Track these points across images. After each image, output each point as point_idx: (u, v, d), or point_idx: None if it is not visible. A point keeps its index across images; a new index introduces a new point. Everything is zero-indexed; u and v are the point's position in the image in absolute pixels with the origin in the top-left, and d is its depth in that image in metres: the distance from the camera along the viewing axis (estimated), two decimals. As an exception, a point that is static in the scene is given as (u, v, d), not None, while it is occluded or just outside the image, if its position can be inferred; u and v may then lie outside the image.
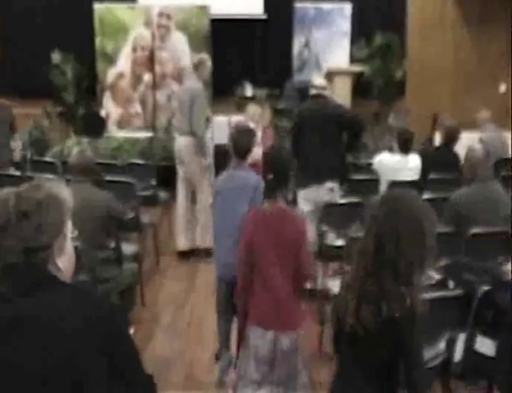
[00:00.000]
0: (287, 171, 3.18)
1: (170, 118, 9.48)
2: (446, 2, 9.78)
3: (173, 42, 10.01)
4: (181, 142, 6.49)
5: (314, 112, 5.50)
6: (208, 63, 6.63)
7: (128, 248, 5.10)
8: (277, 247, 3.08)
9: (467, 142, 5.39)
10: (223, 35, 10.46)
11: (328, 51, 10.66)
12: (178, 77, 10.02)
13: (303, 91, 9.91)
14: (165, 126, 9.63)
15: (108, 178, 5.85)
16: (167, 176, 7.44)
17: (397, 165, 5.65)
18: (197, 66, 6.53)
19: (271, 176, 3.13)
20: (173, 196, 7.18)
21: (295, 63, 10.40)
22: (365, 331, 2.08)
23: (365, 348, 2.13)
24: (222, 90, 10.07)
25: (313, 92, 5.62)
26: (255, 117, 6.70)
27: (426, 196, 5.18)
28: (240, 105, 9.20)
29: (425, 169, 5.78)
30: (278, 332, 3.10)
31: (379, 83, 10.44)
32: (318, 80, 5.70)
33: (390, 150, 5.96)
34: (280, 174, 3.14)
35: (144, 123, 10.08)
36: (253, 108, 6.88)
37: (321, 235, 4.99)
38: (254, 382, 3.17)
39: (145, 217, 6.26)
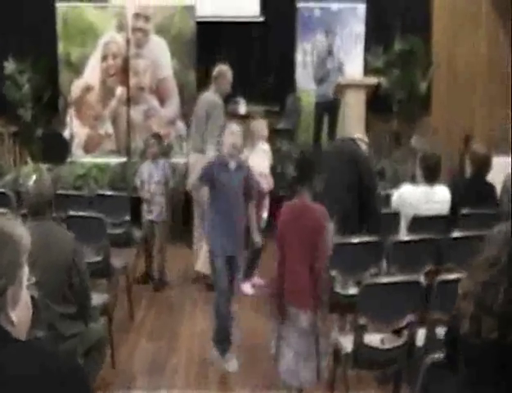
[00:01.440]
0: (311, 170, 4.34)
1: (148, 139, 9.54)
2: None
3: (152, 48, 10.15)
4: (191, 160, 7.32)
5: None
6: (229, 74, 7.27)
7: (95, 298, 5.08)
8: (299, 236, 4.25)
9: (501, 169, 5.41)
10: (211, 41, 10.60)
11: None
12: (158, 90, 10.17)
13: (324, 107, 10.12)
14: (142, 149, 9.61)
15: (72, 212, 5.91)
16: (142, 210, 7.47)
17: (422, 198, 5.67)
18: (216, 78, 7.25)
19: (296, 174, 4.43)
20: (151, 234, 7.23)
21: (317, 72, 10.50)
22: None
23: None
24: None
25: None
26: (263, 132, 7.25)
27: (457, 233, 5.22)
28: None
29: (456, 202, 5.80)
30: (300, 310, 4.27)
31: (399, 98, 10.54)
32: (357, 134, 6.16)
33: (413, 178, 6.00)
34: (304, 173, 4.34)
35: (116, 145, 10.17)
36: (260, 124, 7.30)
37: (331, 281, 5.00)
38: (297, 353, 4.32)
39: (117, 260, 6.26)
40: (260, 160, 7.09)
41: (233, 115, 9.84)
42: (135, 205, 7.44)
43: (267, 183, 7.15)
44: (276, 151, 8.62)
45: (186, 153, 8.81)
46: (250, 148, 7.14)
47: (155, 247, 7.34)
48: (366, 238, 5.31)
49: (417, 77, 10.52)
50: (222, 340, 5.44)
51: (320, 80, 10.20)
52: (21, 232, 1.77)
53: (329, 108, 10.09)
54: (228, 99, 10.06)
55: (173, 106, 10.25)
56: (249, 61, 11.16)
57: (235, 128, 5.49)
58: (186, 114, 10.08)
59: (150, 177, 7.29)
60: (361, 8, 10.84)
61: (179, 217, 8.77)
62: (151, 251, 7.40)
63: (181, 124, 10.19)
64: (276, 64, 11.07)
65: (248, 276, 7.17)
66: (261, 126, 7.32)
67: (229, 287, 5.38)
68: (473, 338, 2.27)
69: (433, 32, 10.23)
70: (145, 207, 7.35)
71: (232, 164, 5.38)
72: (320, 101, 10.16)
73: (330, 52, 10.05)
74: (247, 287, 7.17)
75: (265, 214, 7.24)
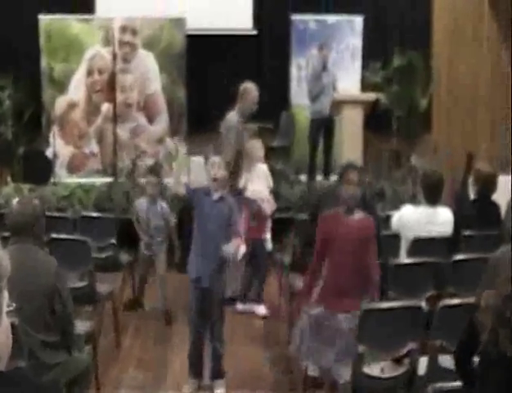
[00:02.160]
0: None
1: (135, 159, 9.56)
2: (480, 11, 9.83)
3: (139, 63, 10.19)
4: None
5: None
6: (253, 92, 7.31)
7: (79, 326, 5.06)
8: (349, 243, 4.71)
9: (507, 188, 5.42)
10: (202, 55, 10.70)
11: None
12: (146, 106, 10.19)
13: (319, 125, 10.13)
14: (129, 169, 9.70)
15: (55, 235, 5.87)
16: (130, 233, 7.39)
17: (423, 219, 5.68)
18: (241, 96, 7.29)
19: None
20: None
21: (312, 88, 10.43)
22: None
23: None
24: (200, 123, 10.20)
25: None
26: (260, 152, 7.20)
27: (461, 256, 5.22)
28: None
29: (459, 223, 5.81)
30: (340, 313, 4.64)
31: (398, 114, 10.60)
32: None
33: (413, 199, 6.01)
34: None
35: (102, 165, 10.19)
36: (256, 144, 7.26)
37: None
38: (311, 352, 4.77)
39: (103, 286, 6.22)
40: (260, 183, 7.11)
41: None
42: (121, 227, 7.42)
43: (269, 207, 7.17)
44: (270, 170, 8.57)
45: (175, 173, 8.82)
46: (248, 171, 7.14)
47: (156, 280, 7.19)
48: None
49: (417, 93, 10.63)
50: (194, 365, 5.53)
51: (315, 96, 10.14)
52: (0, 255, 1.75)
53: (325, 125, 10.09)
54: (218, 116, 10.22)
55: (162, 123, 10.28)
56: (242, 76, 11.14)
57: (215, 159, 5.47)
58: (175, 131, 10.21)
59: (149, 219, 7.10)
60: (359, 21, 10.91)
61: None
62: (144, 278, 7.31)
63: (170, 142, 10.21)
64: (269, 79, 11.14)
65: (260, 297, 7.26)
66: (257, 146, 7.28)
67: (201, 323, 5.44)
68: (491, 348, 2.41)
69: (432, 46, 10.27)
70: (142, 243, 7.18)
71: (215, 195, 5.38)
72: (315, 118, 10.13)
73: (325, 67, 10.05)
74: (261, 309, 7.20)
75: (268, 236, 7.25)
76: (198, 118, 10.26)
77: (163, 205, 7.20)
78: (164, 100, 10.24)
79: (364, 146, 9.72)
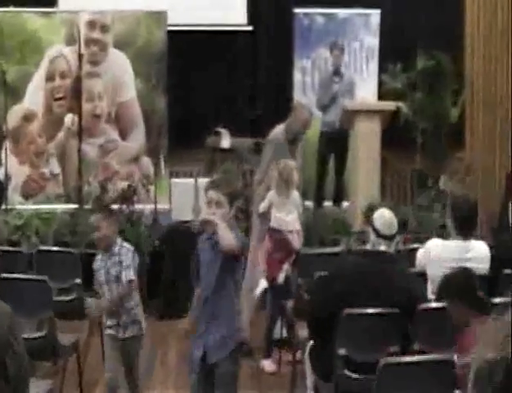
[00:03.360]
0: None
1: (104, 182, 9.61)
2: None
3: (111, 65, 10.21)
4: None
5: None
6: (304, 115, 7.87)
7: (36, 386, 5.01)
8: None
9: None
10: (187, 56, 10.78)
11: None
12: (118, 118, 10.18)
13: (329, 140, 10.21)
14: (97, 194, 9.62)
15: (6, 275, 5.82)
16: None
17: (453, 255, 5.67)
18: (293, 111, 7.95)
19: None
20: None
21: (320, 96, 10.54)
22: None
23: None
24: (185, 138, 10.24)
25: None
26: (295, 177, 7.25)
27: (500, 299, 5.21)
28: (213, 162, 9.37)
29: (498, 259, 5.80)
30: None
31: (423, 127, 10.58)
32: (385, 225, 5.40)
33: (442, 230, 5.98)
34: None
35: (64, 189, 10.17)
36: (291, 167, 7.23)
37: None
38: None
39: (65, 336, 6.18)
40: (292, 213, 7.24)
41: (214, 150, 9.99)
42: (88, 264, 6.88)
43: (299, 241, 7.31)
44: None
45: (153, 198, 8.83)
46: (282, 201, 7.22)
47: (122, 370, 6.20)
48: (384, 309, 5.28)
49: (446, 102, 10.61)
50: None
51: (324, 106, 10.25)
52: None
53: (335, 140, 10.16)
54: (206, 129, 10.22)
55: (138, 139, 10.27)
56: (235, 81, 11.26)
57: (211, 195, 5.08)
58: (154, 148, 10.14)
59: (108, 275, 5.98)
60: (376, 15, 10.94)
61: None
62: None
63: (147, 161, 10.18)
64: (267, 84, 11.24)
65: (268, 351, 7.30)
66: (294, 168, 7.31)
67: None
68: None
69: (465, 46, 10.30)
70: (104, 318, 6.14)
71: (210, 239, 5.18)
72: (324, 131, 10.23)
73: (336, 71, 10.07)
74: (269, 365, 7.25)
75: (287, 268, 7.23)
76: (182, 131, 10.30)
77: (128, 252, 6.03)
78: (141, 110, 10.23)
79: (382, 165, 9.70)
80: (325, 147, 10.29)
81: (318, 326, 5.37)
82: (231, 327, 5.12)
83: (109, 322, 5.95)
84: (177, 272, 8.29)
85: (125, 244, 6.06)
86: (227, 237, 4.86)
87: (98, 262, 6.03)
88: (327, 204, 10.14)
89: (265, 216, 7.29)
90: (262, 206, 7.27)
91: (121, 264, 5.88)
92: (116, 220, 6.27)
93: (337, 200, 10.20)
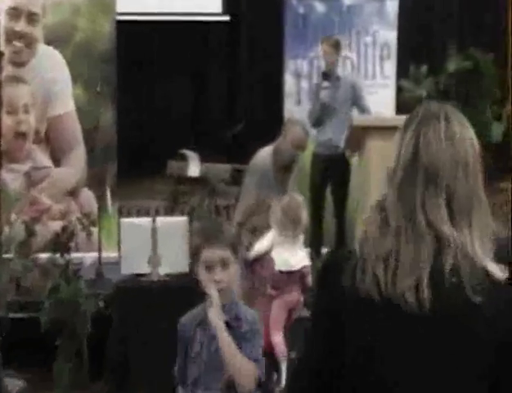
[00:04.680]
0: None
1: (31, 223, 9.28)
2: None
3: (41, 67, 10.10)
4: None
5: None
6: (297, 134, 8.32)
7: None
8: None
9: None
10: (143, 54, 10.71)
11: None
12: (50, 137, 10.08)
13: (327, 164, 10.06)
14: (21, 239, 9.23)
15: None
16: (24, 343, 7.32)
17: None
18: (284, 130, 8.33)
19: None
20: (43, 380, 7.28)
21: (311, 108, 10.19)
22: None
23: None
24: (139, 163, 10.25)
25: None
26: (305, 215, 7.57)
27: None
28: (177, 195, 9.30)
29: None
30: None
31: (457, 149, 10.45)
32: None
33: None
34: None
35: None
36: (300, 204, 7.54)
37: None
38: None
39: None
40: (302, 253, 7.66)
41: (178, 180, 9.93)
42: (10, 332, 7.34)
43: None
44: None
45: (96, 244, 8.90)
46: (291, 241, 7.44)
47: None
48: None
49: (486, 115, 10.63)
50: None
51: (319, 120, 9.89)
52: None
53: (336, 166, 9.97)
54: (169, 152, 10.08)
55: (76, 165, 10.21)
56: (207, 88, 11.15)
57: (215, 254, 4.55)
58: (98, 176, 10.02)
59: None
60: (393, 5, 10.88)
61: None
62: None
63: (89, 195, 10.07)
64: (250, 93, 11.20)
65: None
66: (300, 207, 7.57)
67: None
68: None
69: (510, 45, 10.33)
70: None
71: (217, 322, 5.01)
72: (321, 153, 9.97)
73: (338, 75, 9.85)
74: None
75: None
76: (135, 155, 10.28)
77: None
78: (81, 126, 10.14)
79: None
80: (322, 172, 10.06)
81: None
82: None
83: None
84: (129, 345, 8.10)
85: None
86: (241, 365, 4.25)
87: None
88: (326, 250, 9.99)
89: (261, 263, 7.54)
90: (258, 248, 7.49)
91: None
92: None
93: (338, 246, 9.97)
